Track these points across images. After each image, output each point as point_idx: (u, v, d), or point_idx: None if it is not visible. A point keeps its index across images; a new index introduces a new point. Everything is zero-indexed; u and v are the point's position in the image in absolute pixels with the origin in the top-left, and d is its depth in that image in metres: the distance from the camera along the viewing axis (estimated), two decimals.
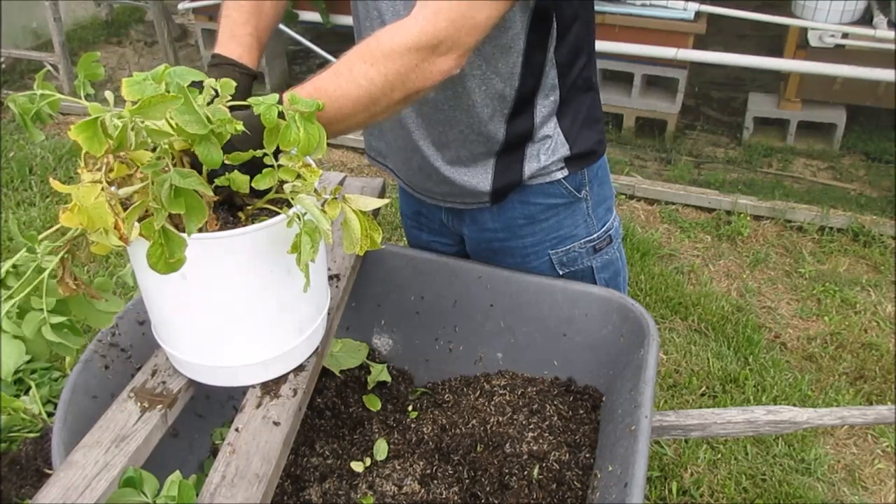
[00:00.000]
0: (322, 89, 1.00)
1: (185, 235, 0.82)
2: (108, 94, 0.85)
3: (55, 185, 0.85)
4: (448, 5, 0.98)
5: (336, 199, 0.94)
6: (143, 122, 0.80)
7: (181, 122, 0.79)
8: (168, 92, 0.80)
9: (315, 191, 0.92)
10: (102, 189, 0.81)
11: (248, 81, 1.17)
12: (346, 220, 0.96)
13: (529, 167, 1.27)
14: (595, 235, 1.38)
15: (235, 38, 1.19)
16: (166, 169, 0.79)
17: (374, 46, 1.00)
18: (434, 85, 1.04)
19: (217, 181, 0.92)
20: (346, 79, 1.00)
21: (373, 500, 1.21)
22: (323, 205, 0.92)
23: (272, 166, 0.90)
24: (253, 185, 0.90)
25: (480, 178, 1.28)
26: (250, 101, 0.87)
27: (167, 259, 0.81)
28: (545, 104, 1.24)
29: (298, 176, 0.91)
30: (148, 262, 0.81)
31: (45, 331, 0.88)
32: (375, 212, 1.36)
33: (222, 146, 0.85)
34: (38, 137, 0.89)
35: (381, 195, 1.46)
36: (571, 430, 1.28)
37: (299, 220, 0.88)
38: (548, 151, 1.27)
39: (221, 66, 1.16)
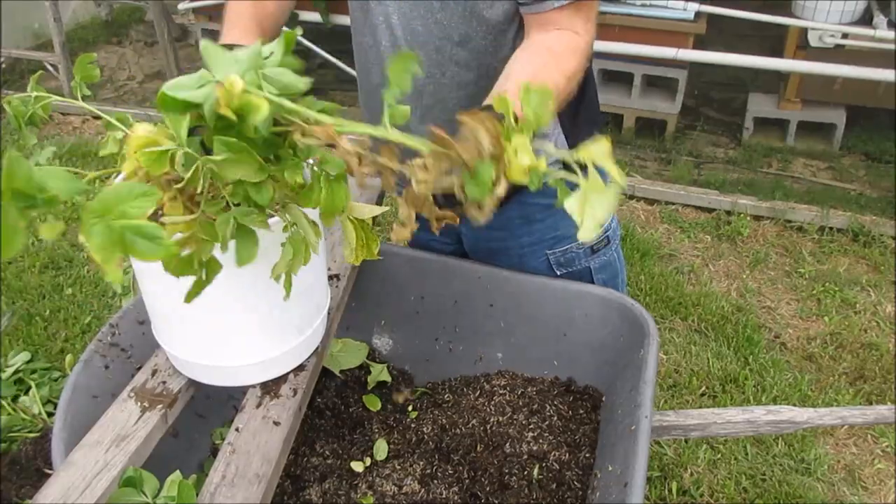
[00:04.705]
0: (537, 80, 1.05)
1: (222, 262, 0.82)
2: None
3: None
4: (590, 9, 1.12)
5: None
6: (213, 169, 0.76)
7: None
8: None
9: None
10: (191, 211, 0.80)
11: None
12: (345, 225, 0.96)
13: None
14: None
15: (236, 28, 1.20)
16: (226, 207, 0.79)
17: (557, 54, 1.10)
18: None
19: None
20: (546, 78, 1.06)
21: (373, 500, 1.21)
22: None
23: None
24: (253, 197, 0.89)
25: None
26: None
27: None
28: None
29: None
30: (166, 268, 0.79)
31: None
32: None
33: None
34: (31, 140, 0.88)
35: (380, 200, 1.46)
36: (571, 430, 1.28)
37: (295, 227, 0.88)
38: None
39: None
